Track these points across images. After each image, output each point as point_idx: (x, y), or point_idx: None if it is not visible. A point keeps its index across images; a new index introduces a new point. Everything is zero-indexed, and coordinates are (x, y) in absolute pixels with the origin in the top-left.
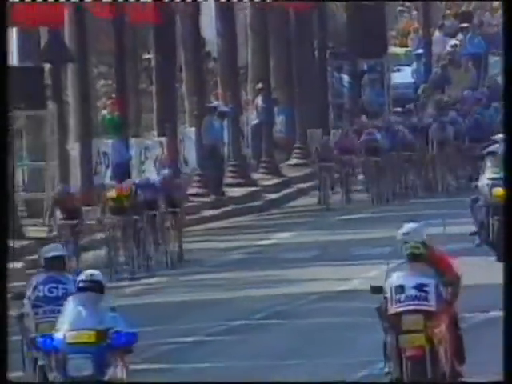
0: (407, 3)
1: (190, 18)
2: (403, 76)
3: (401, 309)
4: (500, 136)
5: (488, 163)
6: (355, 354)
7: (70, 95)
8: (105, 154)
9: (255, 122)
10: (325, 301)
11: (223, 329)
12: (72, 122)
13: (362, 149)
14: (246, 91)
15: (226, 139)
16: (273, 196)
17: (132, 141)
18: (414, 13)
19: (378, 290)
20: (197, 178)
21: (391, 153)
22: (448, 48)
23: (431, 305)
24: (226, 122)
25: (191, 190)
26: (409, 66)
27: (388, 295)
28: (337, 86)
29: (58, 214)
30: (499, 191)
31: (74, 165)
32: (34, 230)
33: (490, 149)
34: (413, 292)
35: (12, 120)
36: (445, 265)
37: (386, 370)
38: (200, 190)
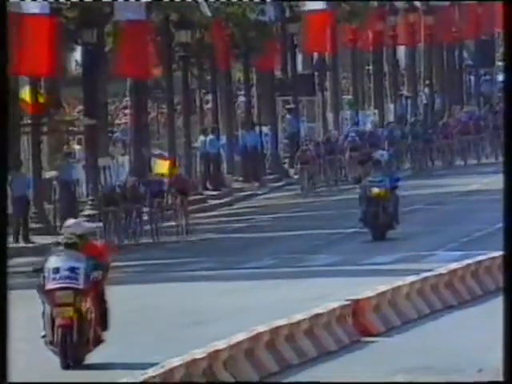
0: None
1: (390, 49)
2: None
3: (55, 286)
4: (379, 152)
5: (372, 169)
6: (476, 223)
7: (328, 87)
8: (346, 119)
9: (424, 102)
10: (460, 195)
11: (413, 208)
12: (329, 100)
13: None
14: (420, 85)
15: (408, 112)
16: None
17: (360, 112)
18: None
19: (38, 270)
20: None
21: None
22: None
23: (80, 283)
24: (409, 102)
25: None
26: None
27: (46, 274)
28: (467, 82)
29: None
30: (375, 190)
31: (330, 123)
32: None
33: (375, 158)
34: (66, 273)
35: (296, 102)
36: (98, 253)
37: (43, 333)
38: None
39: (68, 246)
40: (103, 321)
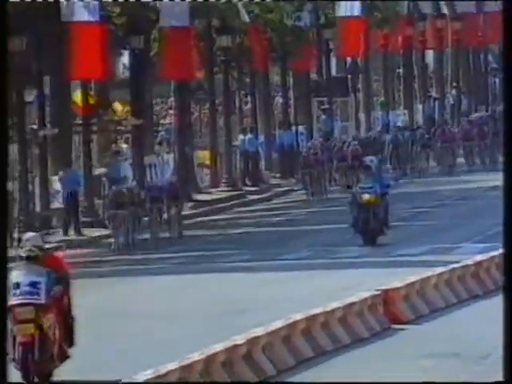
0: None
1: (419, 53)
2: None
3: (15, 302)
4: (369, 158)
5: (362, 175)
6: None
7: (361, 89)
8: (377, 119)
9: (451, 103)
10: (481, 191)
11: (437, 204)
12: (361, 101)
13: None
14: (447, 86)
15: (436, 112)
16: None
17: (390, 113)
18: None
19: None
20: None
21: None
22: None
23: (41, 298)
24: (437, 103)
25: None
26: None
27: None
28: (492, 84)
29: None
30: (366, 197)
31: (362, 123)
32: None
33: (365, 163)
34: (27, 288)
35: (331, 103)
36: (58, 265)
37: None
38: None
39: (29, 259)
40: (68, 336)
